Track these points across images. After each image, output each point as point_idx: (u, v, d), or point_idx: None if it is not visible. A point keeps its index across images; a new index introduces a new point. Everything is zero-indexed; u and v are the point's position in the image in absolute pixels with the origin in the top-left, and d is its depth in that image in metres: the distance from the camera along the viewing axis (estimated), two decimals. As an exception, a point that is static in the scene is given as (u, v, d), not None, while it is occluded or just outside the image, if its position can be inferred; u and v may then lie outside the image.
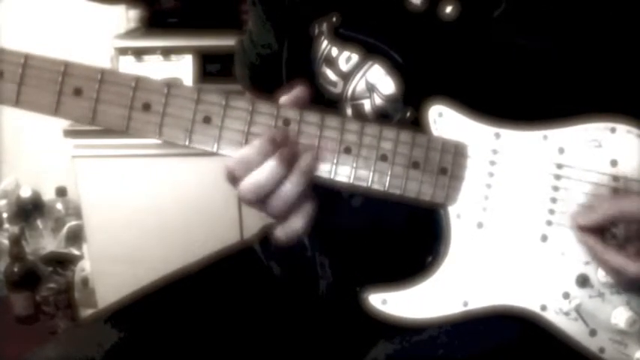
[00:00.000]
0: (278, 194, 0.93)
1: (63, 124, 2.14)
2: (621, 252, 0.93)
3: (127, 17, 2.54)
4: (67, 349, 1.12)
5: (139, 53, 2.19)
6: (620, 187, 0.97)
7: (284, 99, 0.97)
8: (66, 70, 0.92)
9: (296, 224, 0.96)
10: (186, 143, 0.94)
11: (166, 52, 2.19)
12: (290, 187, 0.93)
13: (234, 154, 0.94)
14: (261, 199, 0.94)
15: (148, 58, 2.20)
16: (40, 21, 2.74)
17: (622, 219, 0.94)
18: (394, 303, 0.98)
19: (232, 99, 0.94)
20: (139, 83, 0.93)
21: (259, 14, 1.25)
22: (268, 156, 0.93)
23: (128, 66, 2.19)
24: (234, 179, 0.95)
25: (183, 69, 2.19)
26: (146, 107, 0.93)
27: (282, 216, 0.96)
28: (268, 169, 0.92)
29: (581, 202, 0.98)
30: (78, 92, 0.92)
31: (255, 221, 1.42)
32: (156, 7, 2.46)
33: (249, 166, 0.93)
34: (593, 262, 0.98)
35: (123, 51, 2.20)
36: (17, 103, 0.92)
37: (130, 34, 2.41)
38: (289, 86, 0.99)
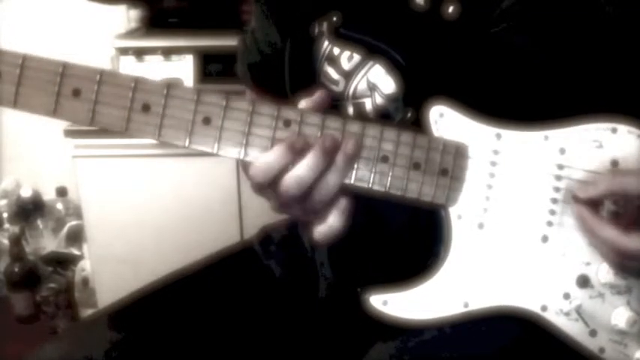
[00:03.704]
0: (320, 186, 0.93)
1: (63, 124, 2.13)
2: (619, 227, 0.93)
3: (127, 17, 2.55)
4: (67, 348, 1.12)
5: (139, 53, 2.19)
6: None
7: (304, 103, 0.97)
8: (64, 71, 0.91)
9: (334, 222, 0.96)
10: (186, 144, 0.93)
11: (167, 52, 2.19)
12: (333, 177, 0.94)
13: (255, 161, 0.94)
14: (303, 195, 0.94)
15: (149, 58, 2.20)
16: (41, 21, 2.74)
17: (621, 194, 0.94)
18: (395, 304, 0.98)
19: (232, 100, 0.94)
20: (138, 84, 0.92)
21: (262, 12, 1.25)
22: (289, 161, 0.93)
23: (129, 66, 2.19)
24: (262, 186, 0.95)
25: (183, 69, 2.19)
26: (145, 108, 0.92)
27: (321, 213, 0.96)
28: (310, 161, 0.92)
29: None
30: (77, 93, 0.91)
31: (255, 221, 1.42)
32: (157, 7, 2.46)
33: (273, 173, 0.93)
34: (594, 263, 0.98)
35: (123, 51, 2.20)
36: (15, 104, 0.91)
37: (130, 34, 2.41)
38: (309, 91, 0.98)
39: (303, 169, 0.92)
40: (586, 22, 0.99)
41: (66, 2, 2.74)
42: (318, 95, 0.97)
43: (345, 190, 0.96)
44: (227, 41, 2.08)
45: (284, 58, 1.20)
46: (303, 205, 0.95)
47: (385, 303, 0.98)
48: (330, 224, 0.96)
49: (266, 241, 1.33)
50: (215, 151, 0.94)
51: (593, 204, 0.95)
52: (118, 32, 2.39)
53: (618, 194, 0.93)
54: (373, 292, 0.99)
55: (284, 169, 0.93)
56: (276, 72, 1.20)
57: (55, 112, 0.92)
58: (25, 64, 0.91)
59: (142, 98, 0.92)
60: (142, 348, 1.11)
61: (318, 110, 0.96)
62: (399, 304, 0.98)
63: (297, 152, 0.92)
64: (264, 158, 0.93)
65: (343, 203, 0.96)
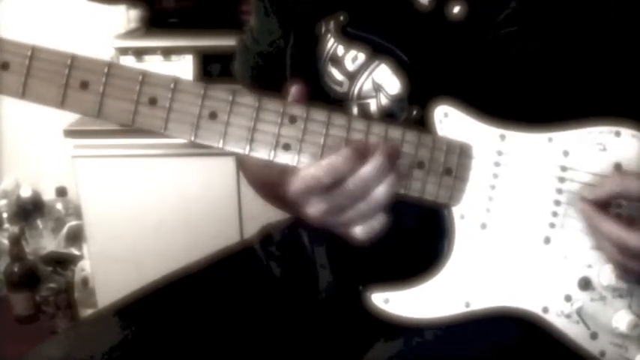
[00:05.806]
0: (376, 192, 0.92)
1: (63, 124, 2.14)
2: (623, 223, 0.93)
3: (127, 17, 2.54)
4: (67, 347, 1.12)
5: (139, 53, 2.19)
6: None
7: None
8: (73, 63, 0.91)
9: (379, 222, 0.95)
10: (192, 139, 0.93)
11: (167, 52, 2.19)
12: (385, 188, 0.92)
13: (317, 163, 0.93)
14: (361, 196, 0.93)
15: (149, 58, 2.19)
16: (41, 20, 2.73)
17: (627, 196, 0.94)
18: (396, 302, 0.98)
19: (238, 95, 0.94)
20: (145, 78, 0.93)
21: (263, 7, 1.24)
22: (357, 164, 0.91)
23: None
24: (311, 191, 0.94)
25: (183, 69, 2.18)
26: (152, 102, 0.93)
27: (369, 215, 0.95)
28: (375, 164, 0.91)
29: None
30: (84, 85, 0.91)
31: (255, 221, 1.42)
32: (156, 7, 2.46)
33: (337, 174, 0.92)
34: (596, 265, 0.98)
35: (123, 51, 2.19)
36: (23, 95, 0.91)
37: (130, 34, 2.41)
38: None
39: (368, 170, 0.91)
40: (591, 26, 1.00)
41: (66, 2, 2.73)
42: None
43: None
44: (227, 41, 2.07)
45: (285, 58, 1.20)
46: (358, 207, 0.94)
47: (387, 301, 0.98)
48: (373, 224, 0.95)
49: (266, 241, 1.33)
50: (220, 146, 0.94)
51: (600, 205, 0.95)
52: (118, 32, 2.39)
53: (624, 196, 0.94)
54: (375, 290, 0.99)
55: (348, 172, 0.91)
56: (277, 72, 1.20)
57: (62, 103, 0.92)
58: (33, 55, 0.91)
59: (149, 92, 0.92)
60: (142, 347, 1.12)
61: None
62: (401, 302, 0.99)
63: (361, 156, 0.91)
64: (330, 160, 0.92)
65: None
